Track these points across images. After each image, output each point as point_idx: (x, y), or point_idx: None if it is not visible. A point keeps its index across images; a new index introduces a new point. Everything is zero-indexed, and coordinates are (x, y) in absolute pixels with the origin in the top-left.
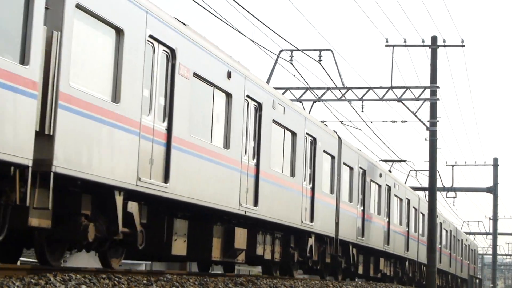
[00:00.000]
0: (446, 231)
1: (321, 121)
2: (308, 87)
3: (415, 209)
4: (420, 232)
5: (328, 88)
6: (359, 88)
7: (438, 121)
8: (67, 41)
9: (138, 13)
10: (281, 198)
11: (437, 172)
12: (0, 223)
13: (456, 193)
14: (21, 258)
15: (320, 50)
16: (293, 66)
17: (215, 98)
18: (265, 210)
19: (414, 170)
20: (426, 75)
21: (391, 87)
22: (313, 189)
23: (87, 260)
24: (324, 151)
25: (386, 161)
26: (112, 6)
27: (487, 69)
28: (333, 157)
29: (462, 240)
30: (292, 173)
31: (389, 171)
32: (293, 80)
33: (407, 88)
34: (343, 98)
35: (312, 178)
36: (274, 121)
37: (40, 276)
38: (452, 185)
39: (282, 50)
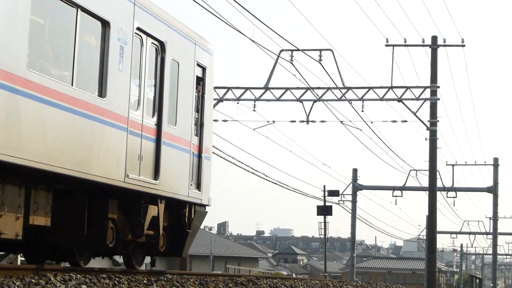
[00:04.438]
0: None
1: (321, 121)
2: (309, 87)
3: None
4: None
5: (328, 88)
6: (359, 88)
7: (438, 121)
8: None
9: None
10: None
11: (437, 172)
12: None
13: (456, 193)
14: (21, 258)
15: (321, 50)
16: (294, 66)
17: (80, 24)
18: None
19: (414, 170)
20: (426, 75)
21: (391, 87)
22: None
23: None
24: None
25: None
26: None
27: (487, 69)
28: None
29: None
30: None
31: None
32: (293, 80)
33: (407, 88)
34: (343, 98)
35: None
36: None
37: (40, 276)
38: (452, 185)
39: (282, 50)
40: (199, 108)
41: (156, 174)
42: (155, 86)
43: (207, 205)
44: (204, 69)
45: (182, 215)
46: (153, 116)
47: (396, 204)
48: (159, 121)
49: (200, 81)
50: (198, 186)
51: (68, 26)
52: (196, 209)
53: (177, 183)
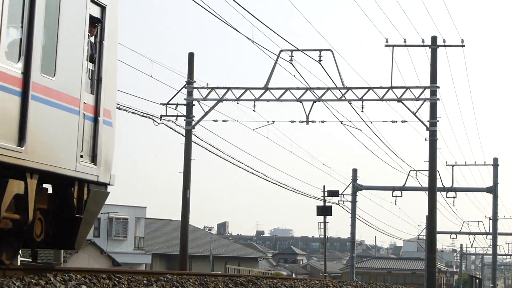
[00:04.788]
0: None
1: (321, 121)
2: (308, 87)
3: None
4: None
5: (328, 88)
6: (359, 88)
7: (438, 121)
8: None
9: None
10: None
11: (437, 172)
12: None
13: (456, 193)
14: (21, 258)
15: (320, 50)
16: (293, 66)
17: None
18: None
19: (414, 170)
20: (426, 75)
21: (391, 87)
22: None
23: (87, 260)
24: None
25: None
26: None
27: (487, 69)
28: None
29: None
30: None
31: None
32: (293, 80)
33: (407, 88)
34: (343, 98)
35: None
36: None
37: (40, 276)
38: (452, 185)
39: (282, 50)
40: (96, 57)
41: (21, 139)
42: (22, 23)
43: (109, 184)
44: (103, 8)
45: (69, 196)
46: (17, 61)
47: (396, 204)
48: (26, 69)
49: (98, 23)
50: (94, 159)
51: None
52: (91, 188)
53: (56, 153)
